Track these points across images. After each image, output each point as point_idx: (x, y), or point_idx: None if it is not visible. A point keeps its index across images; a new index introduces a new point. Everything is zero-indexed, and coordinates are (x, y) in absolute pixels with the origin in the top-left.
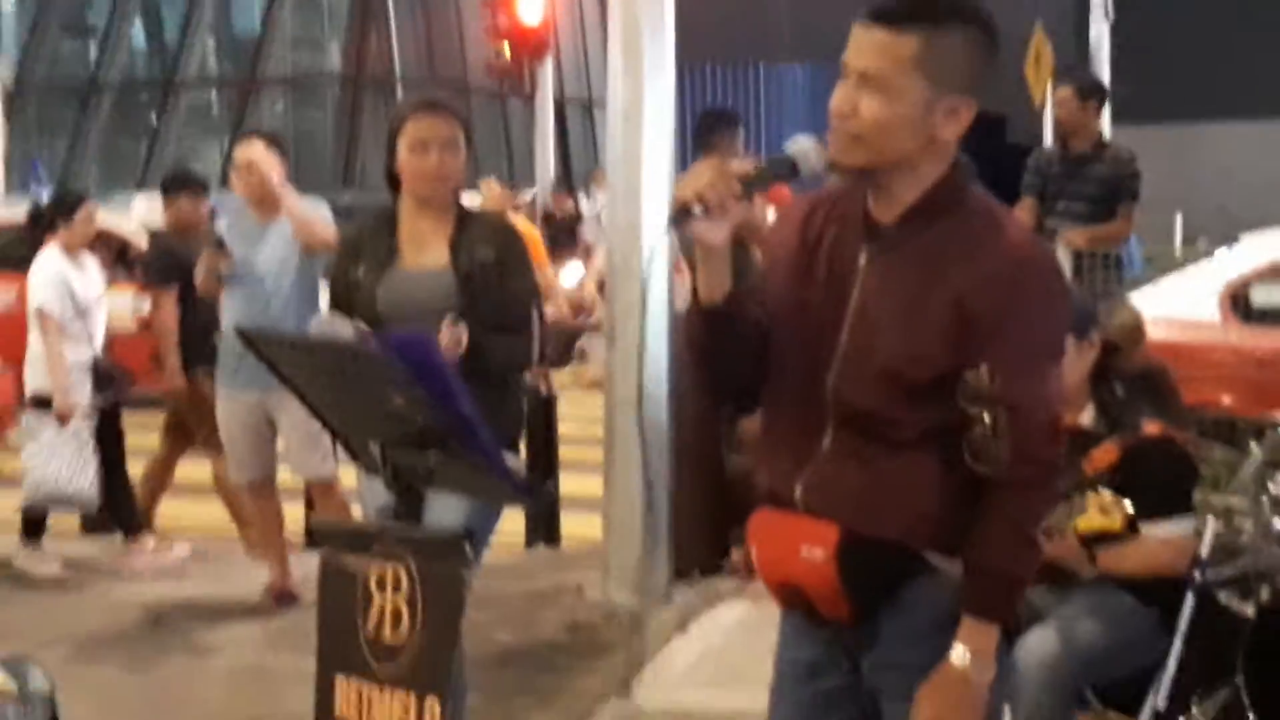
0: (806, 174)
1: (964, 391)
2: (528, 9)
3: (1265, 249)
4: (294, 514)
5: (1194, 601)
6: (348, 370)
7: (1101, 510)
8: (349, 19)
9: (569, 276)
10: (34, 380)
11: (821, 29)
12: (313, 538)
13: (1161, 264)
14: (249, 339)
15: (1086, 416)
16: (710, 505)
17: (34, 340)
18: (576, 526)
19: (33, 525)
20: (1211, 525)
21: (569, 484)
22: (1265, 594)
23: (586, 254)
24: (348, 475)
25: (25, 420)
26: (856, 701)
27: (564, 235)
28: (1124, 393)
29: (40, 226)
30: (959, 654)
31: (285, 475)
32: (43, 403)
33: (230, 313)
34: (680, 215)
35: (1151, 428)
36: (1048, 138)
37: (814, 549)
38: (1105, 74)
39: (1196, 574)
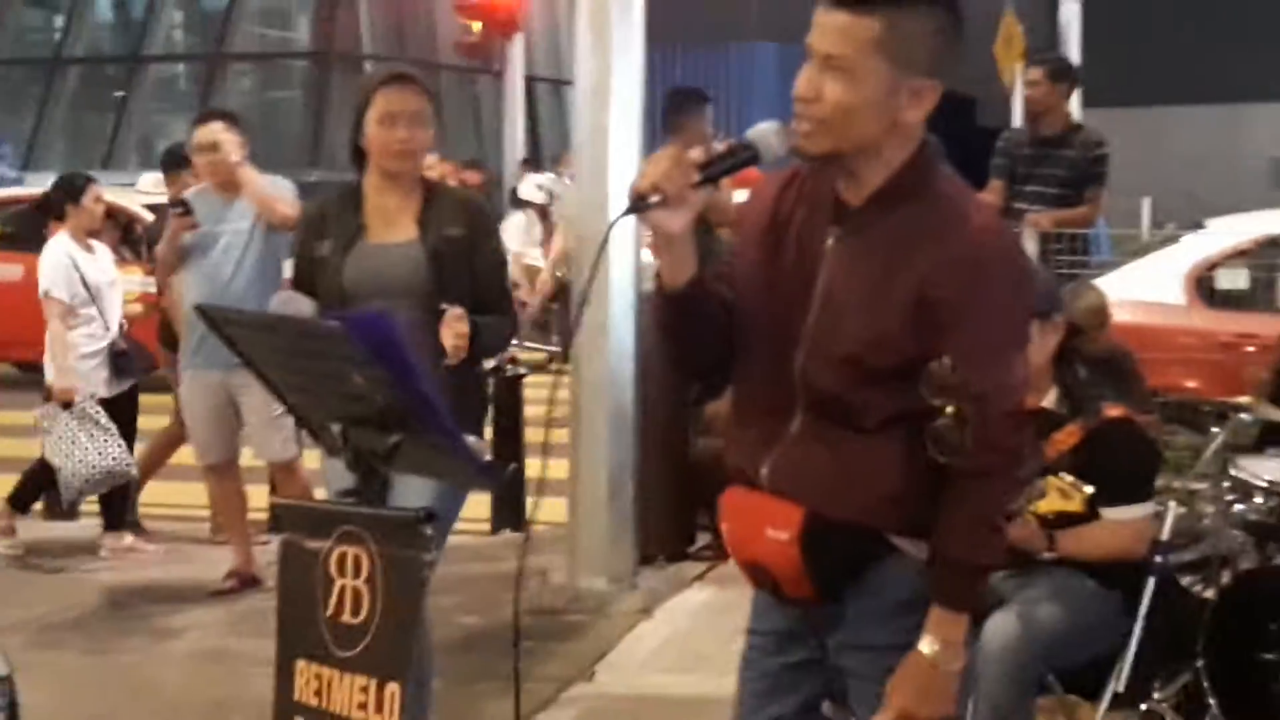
0: (769, 160)
1: (927, 382)
2: None
3: (1230, 233)
4: (260, 497)
5: (1155, 585)
6: (308, 349)
7: (1061, 494)
8: None
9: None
10: (50, 371)
11: (790, 8)
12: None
13: (1129, 247)
14: (208, 316)
15: (1049, 399)
16: (676, 489)
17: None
18: (543, 510)
19: (21, 501)
20: (1173, 509)
21: (535, 467)
22: (1226, 577)
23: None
24: (312, 457)
25: (40, 412)
26: (823, 675)
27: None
28: (1087, 375)
29: (48, 211)
30: (928, 644)
31: (249, 458)
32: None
33: (191, 291)
34: (638, 204)
35: (1113, 410)
36: (1017, 120)
37: (779, 530)
38: (1076, 57)
39: (1158, 558)
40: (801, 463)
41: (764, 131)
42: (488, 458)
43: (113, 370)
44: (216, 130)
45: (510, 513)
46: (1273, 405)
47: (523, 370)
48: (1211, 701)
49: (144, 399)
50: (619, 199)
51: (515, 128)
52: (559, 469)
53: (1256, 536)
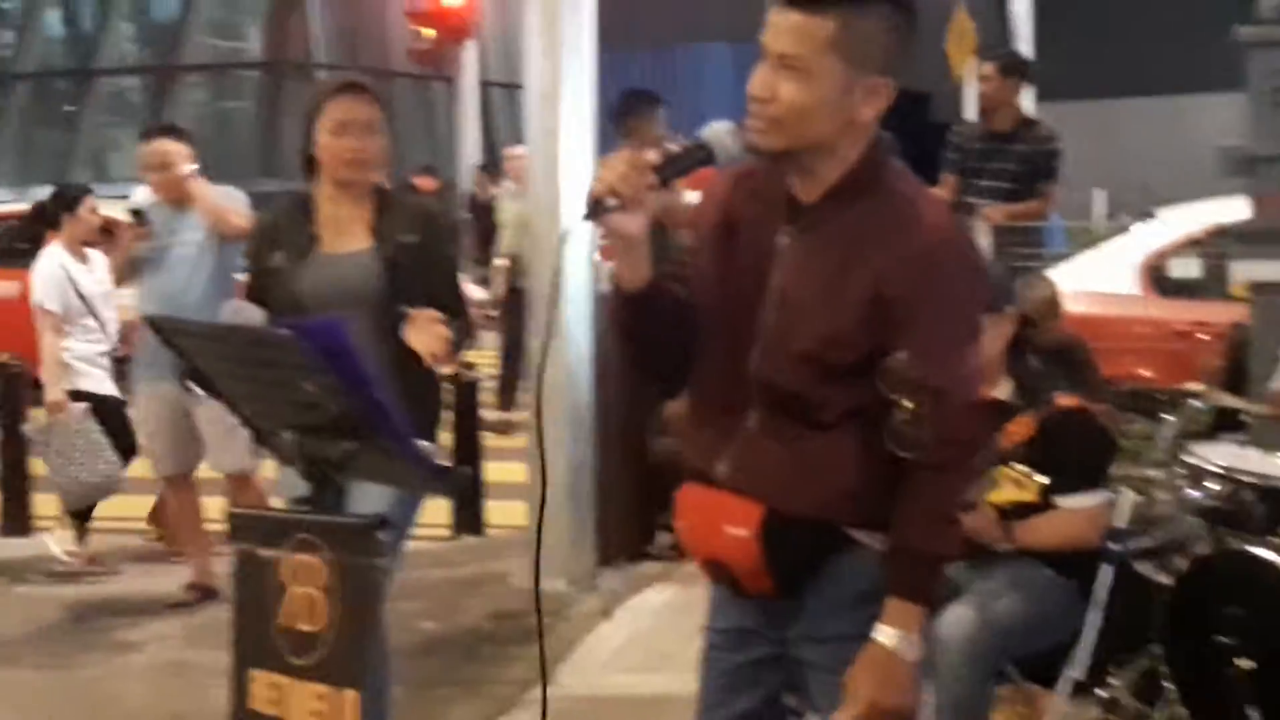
0: (723, 160)
1: (885, 377)
2: None
3: (1182, 223)
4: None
5: (1112, 573)
6: (259, 358)
7: (1015, 484)
8: (268, 4)
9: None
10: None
11: (743, 8)
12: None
13: (1084, 239)
14: (159, 327)
15: (1003, 390)
16: (636, 490)
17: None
18: (502, 514)
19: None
20: (1129, 497)
21: (494, 471)
22: (1182, 563)
23: None
24: (270, 467)
25: (32, 426)
26: (783, 669)
27: (488, 218)
28: (1040, 366)
29: (43, 222)
30: (888, 635)
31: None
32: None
33: (144, 302)
34: (595, 209)
35: (1066, 400)
36: (970, 115)
37: (738, 527)
38: (1027, 51)
39: (1114, 545)
40: (758, 459)
41: (718, 132)
42: (443, 463)
43: (115, 376)
44: (165, 146)
45: (470, 518)
46: (1225, 392)
47: (480, 375)
48: (1169, 686)
49: None
50: (571, 202)
51: (470, 133)
52: (518, 472)
53: (1210, 522)
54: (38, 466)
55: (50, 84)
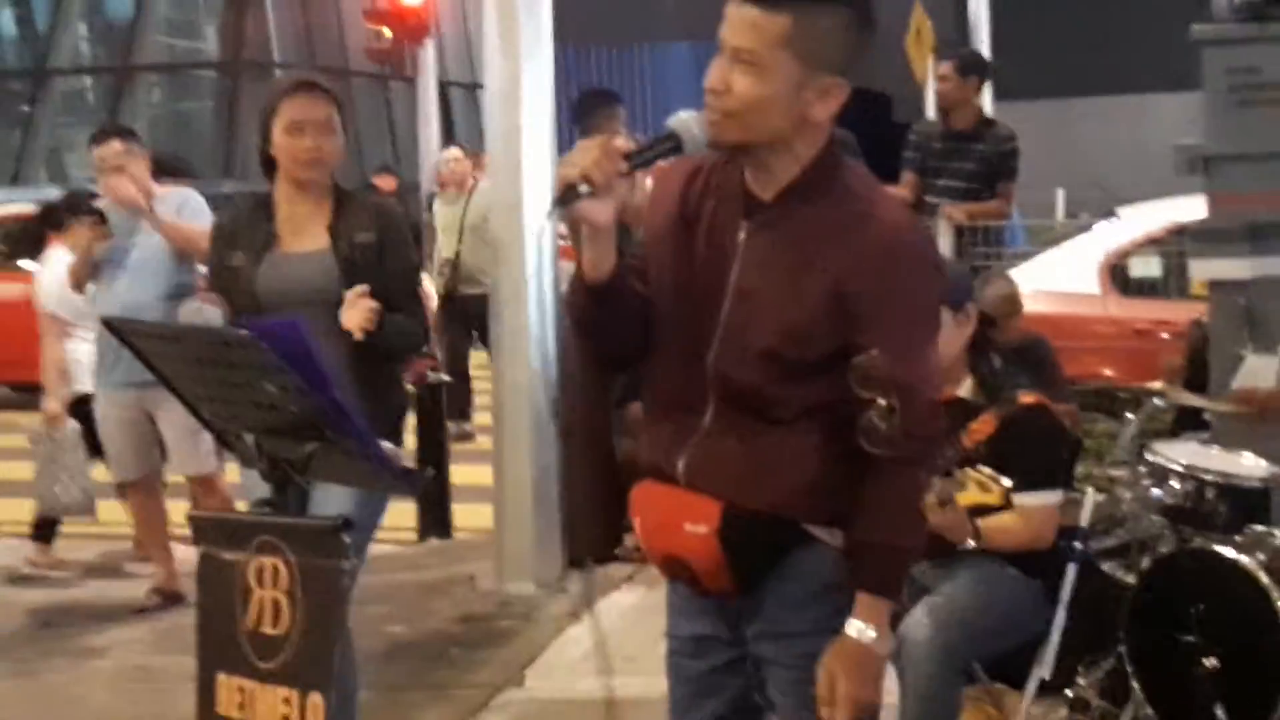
0: (691, 148)
1: (856, 376)
2: None
3: (1142, 222)
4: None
5: (1076, 571)
6: (218, 359)
7: (980, 486)
8: (224, 3)
9: None
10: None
11: (704, 7)
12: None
13: (1044, 238)
14: (116, 329)
15: (965, 388)
16: (602, 491)
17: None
18: (469, 517)
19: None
20: (1091, 496)
21: (460, 474)
22: (1145, 562)
23: None
24: (234, 470)
25: (33, 434)
26: (744, 673)
27: None
28: (1002, 364)
29: (49, 224)
30: (860, 630)
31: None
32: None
33: (103, 304)
34: (567, 195)
35: (1028, 398)
36: (930, 115)
37: (697, 524)
38: (985, 50)
39: (1078, 544)
40: (716, 456)
41: (685, 121)
42: (405, 464)
43: None
44: (117, 151)
45: (437, 521)
46: (1187, 390)
47: (445, 377)
48: (1135, 685)
49: None
50: (534, 201)
51: (430, 132)
52: (484, 475)
53: (1174, 520)
54: None
55: (5, 84)
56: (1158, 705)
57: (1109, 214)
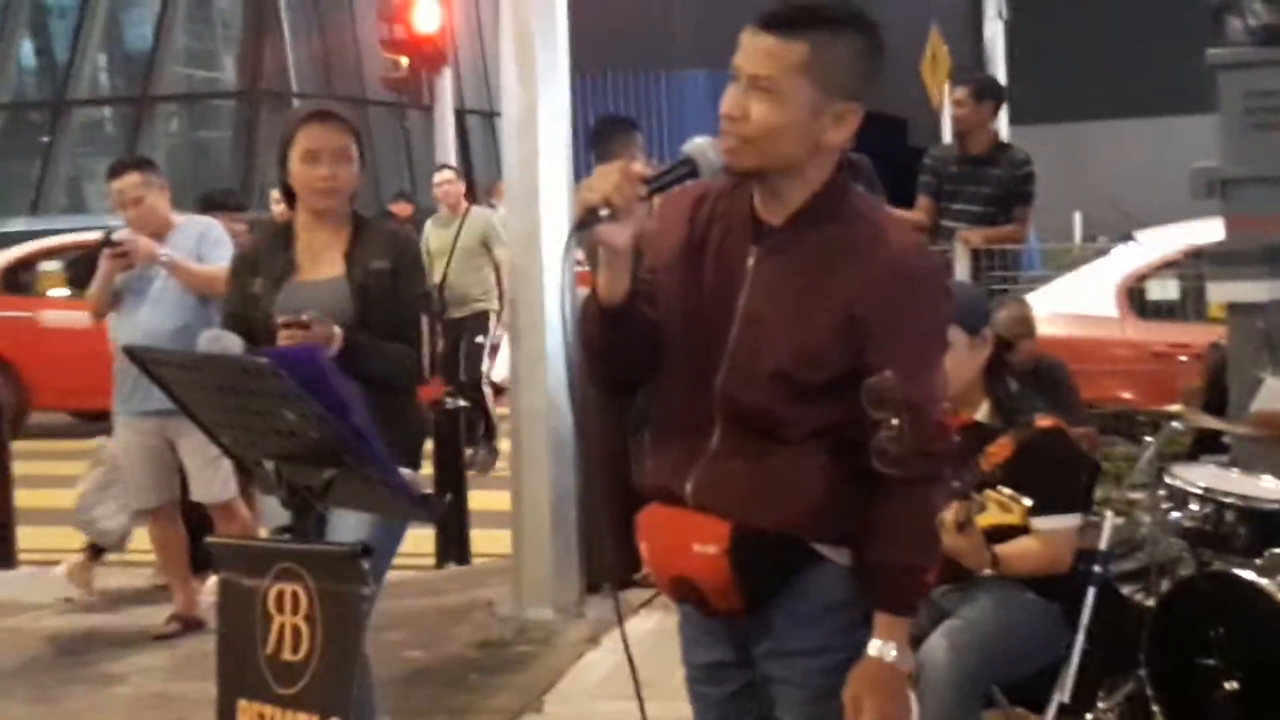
0: (707, 172)
1: (869, 398)
2: (424, 20)
3: (1160, 245)
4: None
5: (1095, 595)
6: (238, 386)
7: (1000, 507)
8: (242, 33)
9: None
10: None
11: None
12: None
13: (1062, 261)
14: (137, 357)
15: (982, 412)
16: (620, 516)
17: None
18: (487, 542)
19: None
20: (1110, 519)
21: (478, 499)
22: (1165, 585)
23: None
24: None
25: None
26: (762, 695)
27: None
28: (1019, 388)
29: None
30: (883, 649)
31: None
32: None
33: (123, 332)
34: (588, 219)
35: (1045, 421)
36: (946, 139)
37: (706, 545)
38: (1001, 74)
39: (1097, 567)
40: (724, 477)
41: (701, 146)
42: (424, 490)
43: None
44: (135, 183)
45: (455, 546)
46: (1206, 412)
47: (462, 403)
48: (1155, 709)
49: None
50: (551, 228)
51: (447, 161)
52: (502, 500)
53: (1193, 543)
54: (22, 500)
55: (24, 114)
56: None
57: (1126, 237)
